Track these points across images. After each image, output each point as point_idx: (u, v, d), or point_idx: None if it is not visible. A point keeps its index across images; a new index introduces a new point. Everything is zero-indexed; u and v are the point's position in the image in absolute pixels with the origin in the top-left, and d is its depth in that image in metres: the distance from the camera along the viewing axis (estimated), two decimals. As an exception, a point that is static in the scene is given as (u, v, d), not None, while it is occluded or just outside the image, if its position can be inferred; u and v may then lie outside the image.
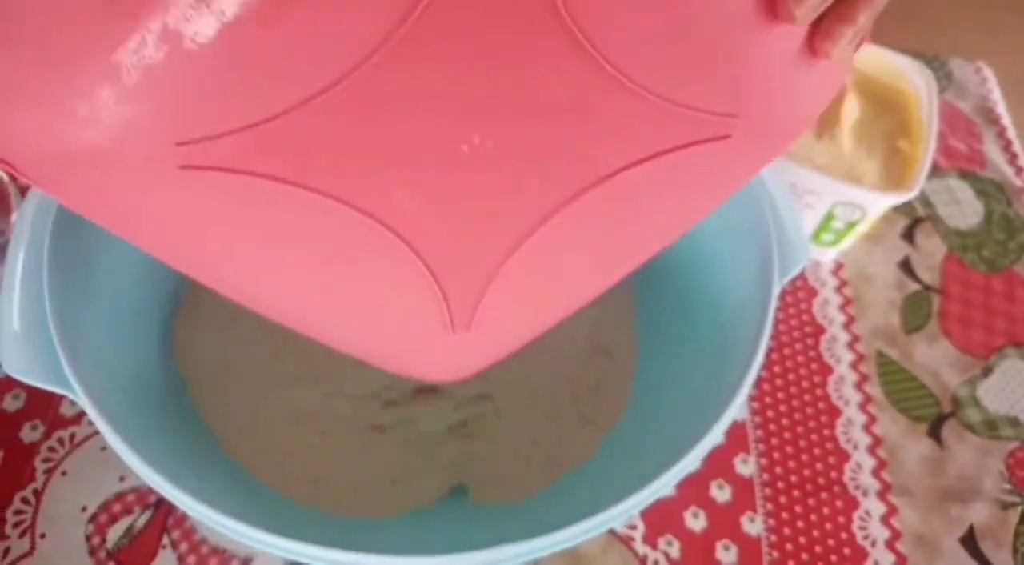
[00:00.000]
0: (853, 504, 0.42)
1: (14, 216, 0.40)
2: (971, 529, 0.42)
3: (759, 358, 0.31)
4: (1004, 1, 0.76)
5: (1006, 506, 0.43)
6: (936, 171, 0.56)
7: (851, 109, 0.47)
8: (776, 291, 0.32)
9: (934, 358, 0.48)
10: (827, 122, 0.47)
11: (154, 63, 0.19)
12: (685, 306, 0.40)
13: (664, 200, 0.27)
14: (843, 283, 0.50)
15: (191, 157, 0.21)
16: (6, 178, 0.42)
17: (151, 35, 0.18)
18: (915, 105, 0.48)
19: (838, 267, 0.51)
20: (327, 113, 0.20)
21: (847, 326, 0.49)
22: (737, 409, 0.30)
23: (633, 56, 0.21)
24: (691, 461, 0.29)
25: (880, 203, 0.44)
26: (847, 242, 0.49)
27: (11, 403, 0.41)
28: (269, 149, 0.21)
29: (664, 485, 0.29)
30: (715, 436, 0.30)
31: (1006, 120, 0.60)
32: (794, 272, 0.34)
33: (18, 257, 0.30)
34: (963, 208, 0.55)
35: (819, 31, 0.24)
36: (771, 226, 0.34)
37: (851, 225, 0.47)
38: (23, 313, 0.30)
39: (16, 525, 0.38)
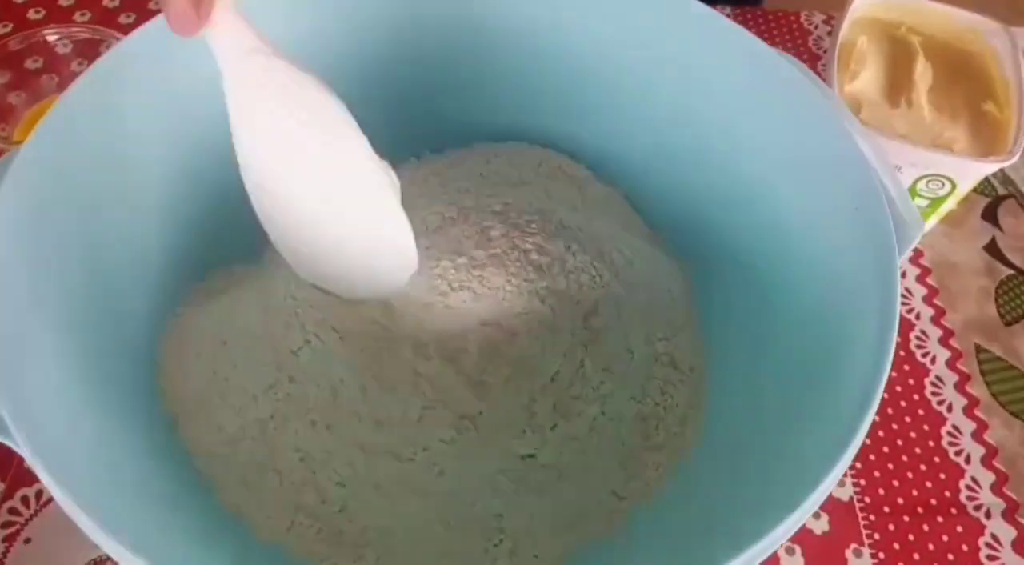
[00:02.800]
0: (976, 528, 0.35)
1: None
2: (1119, 551, 0.35)
3: (886, 367, 0.25)
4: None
5: None
6: (1010, 145, 0.50)
7: (923, 72, 0.41)
8: (898, 271, 0.26)
9: (1043, 351, 0.41)
10: (900, 86, 0.41)
11: None
12: (758, 305, 0.34)
13: None
14: (925, 271, 0.44)
15: None
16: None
17: None
18: (994, 65, 0.42)
19: (917, 254, 0.45)
20: None
21: (936, 320, 0.42)
22: (860, 442, 0.24)
23: None
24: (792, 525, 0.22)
25: (975, 172, 0.38)
26: (930, 223, 0.43)
27: (-37, 459, 0.34)
28: None
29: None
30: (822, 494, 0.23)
31: (1078, 87, 0.54)
32: (909, 249, 0.28)
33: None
34: (1047, 183, 0.49)
35: None
36: (882, 197, 0.28)
37: (936, 202, 0.40)
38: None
39: (-30, 608, 0.31)
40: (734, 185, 0.34)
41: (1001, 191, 0.48)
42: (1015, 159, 0.37)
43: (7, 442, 0.22)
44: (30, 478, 0.34)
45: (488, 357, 0.31)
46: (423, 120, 0.40)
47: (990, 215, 0.47)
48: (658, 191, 0.39)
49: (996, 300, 0.43)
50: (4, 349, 0.23)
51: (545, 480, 0.31)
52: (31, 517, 0.33)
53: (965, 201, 0.46)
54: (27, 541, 0.32)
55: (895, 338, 0.25)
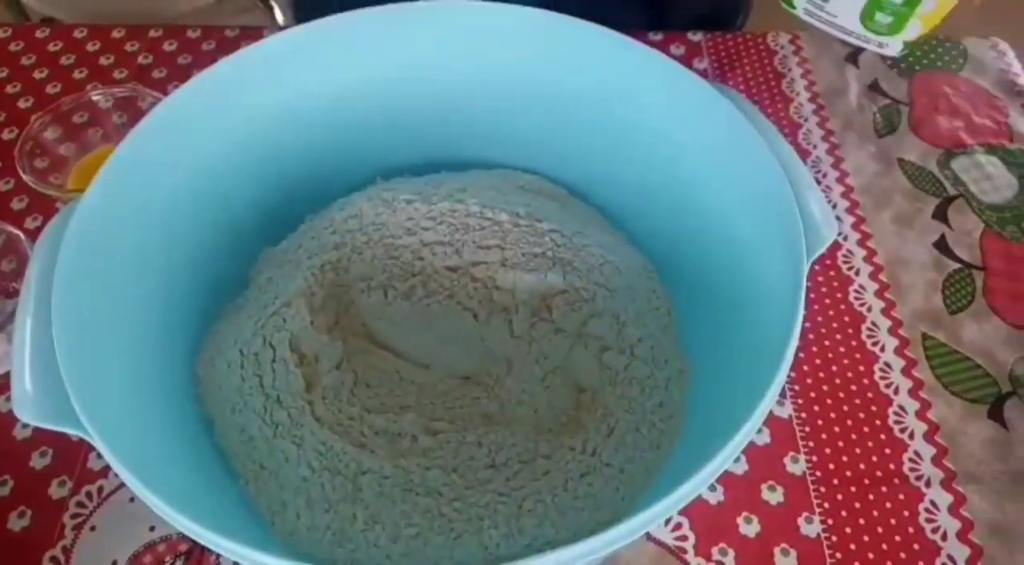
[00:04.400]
0: (916, 496, 0.40)
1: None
2: (1050, 514, 0.39)
3: (793, 341, 0.29)
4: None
5: (1085, 487, 0.40)
6: (963, 148, 0.54)
7: None
8: (805, 269, 0.31)
9: (985, 336, 0.45)
10: None
11: None
12: (718, 303, 0.38)
13: None
14: (877, 269, 0.48)
15: None
16: (23, 237, 0.42)
17: None
18: None
19: (870, 253, 0.49)
20: None
21: (886, 312, 0.46)
22: (773, 399, 0.28)
23: None
24: (727, 456, 0.27)
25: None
26: (909, 28, 0.42)
27: (39, 461, 0.40)
28: None
29: (698, 486, 0.27)
30: (749, 430, 0.28)
31: (1029, 90, 0.58)
32: (822, 249, 0.33)
33: (26, 321, 0.30)
34: (995, 182, 0.53)
35: None
36: (794, 205, 0.33)
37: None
38: (35, 363, 0.29)
39: (48, 585, 0.37)
40: (685, 208, 0.40)
41: (951, 192, 0.52)
42: None
43: (84, 436, 0.27)
44: (93, 475, 0.40)
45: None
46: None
47: (940, 214, 0.51)
48: (622, 213, 0.44)
49: (943, 291, 0.47)
50: (81, 369, 0.28)
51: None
52: (95, 509, 0.39)
53: (917, 201, 0.51)
54: (92, 528, 0.38)
55: (801, 310, 0.30)
